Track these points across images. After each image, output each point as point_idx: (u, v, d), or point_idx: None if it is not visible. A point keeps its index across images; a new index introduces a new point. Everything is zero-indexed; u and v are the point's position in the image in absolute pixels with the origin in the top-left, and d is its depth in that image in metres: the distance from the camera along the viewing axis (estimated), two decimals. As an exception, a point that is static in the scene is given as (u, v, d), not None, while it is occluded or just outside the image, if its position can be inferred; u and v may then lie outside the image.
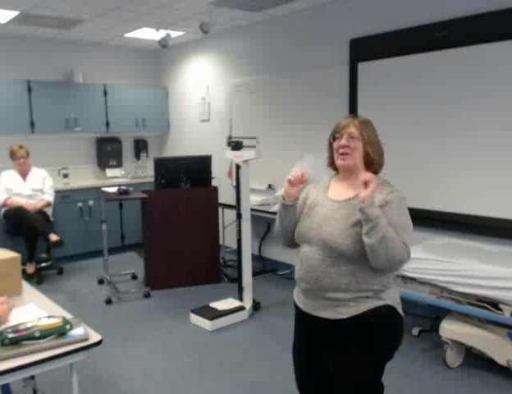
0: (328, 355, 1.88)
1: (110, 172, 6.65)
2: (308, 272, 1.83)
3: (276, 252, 5.44)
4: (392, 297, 1.85)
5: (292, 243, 2.00)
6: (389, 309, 1.82)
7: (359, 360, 1.81)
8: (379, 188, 1.78)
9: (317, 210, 1.88)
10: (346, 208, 1.81)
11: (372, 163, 1.86)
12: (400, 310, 1.87)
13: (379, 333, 1.81)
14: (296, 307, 1.97)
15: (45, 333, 1.77)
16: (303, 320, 1.94)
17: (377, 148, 1.88)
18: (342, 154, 1.84)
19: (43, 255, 5.50)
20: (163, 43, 5.42)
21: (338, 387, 1.90)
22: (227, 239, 5.70)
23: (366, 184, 1.67)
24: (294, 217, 1.94)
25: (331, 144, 1.92)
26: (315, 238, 1.82)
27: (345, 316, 1.78)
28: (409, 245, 1.74)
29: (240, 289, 4.19)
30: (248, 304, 4.15)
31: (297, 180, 1.86)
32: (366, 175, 1.69)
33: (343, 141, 1.83)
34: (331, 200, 1.88)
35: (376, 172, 1.88)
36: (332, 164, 1.96)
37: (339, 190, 1.90)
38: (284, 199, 1.92)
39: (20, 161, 5.18)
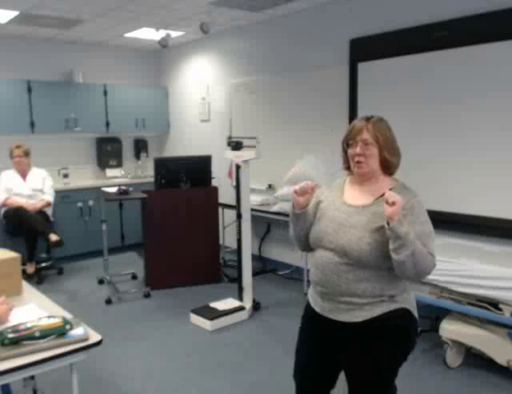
0: (342, 357, 1.86)
1: (110, 172, 6.65)
2: (324, 277, 1.80)
3: (276, 252, 5.44)
4: (408, 300, 1.83)
5: (308, 247, 1.96)
6: (404, 312, 1.80)
7: (374, 363, 1.79)
8: (398, 194, 1.71)
9: (331, 214, 1.83)
10: (364, 214, 1.77)
11: (390, 166, 1.83)
12: (415, 313, 1.84)
13: (393, 336, 1.79)
14: (310, 308, 1.94)
15: (45, 333, 1.77)
16: (316, 321, 1.90)
17: (395, 150, 1.83)
18: (358, 162, 1.80)
19: (43, 255, 5.49)
20: (163, 43, 5.42)
21: (352, 388, 1.88)
22: (227, 239, 5.70)
23: (392, 203, 1.61)
24: (306, 224, 1.91)
25: (345, 150, 1.88)
26: (332, 244, 1.78)
27: (359, 319, 1.76)
28: (435, 254, 1.74)
29: (240, 289, 4.19)
30: (248, 304, 4.15)
31: (303, 191, 1.83)
32: (391, 196, 1.62)
33: (358, 149, 1.78)
34: (347, 205, 1.83)
35: (392, 174, 1.86)
36: (348, 168, 1.91)
37: (355, 195, 1.85)
38: (294, 207, 1.89)
39: (16, 160, 5.19)
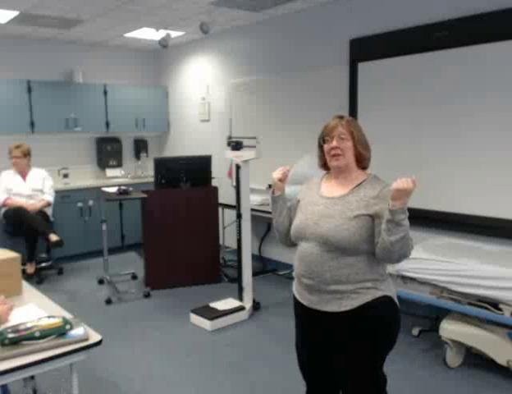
0: (333, 347, 1.94)
1: (110, 172, 6.65)
2: (309, 268, 1.89)
3: (276, 252, 5.44)
4: (389, 288, 1.92)
5: (287, 239, 2.10)
6: (387, 300, 1.88)
7: (362, 351, 1.87)
8: (370, 184, 1.89)
9: (311, 208, 1.95)
10: (341, 204, 1.88)
11: (363, 160, 1.93)
12: (396, 300, 1.93)
13: (379, 324, 1.88)
14: (298, 303, 2.02)
15: (45, 333, 1.78)
16: (306, 315, 1.98)
17: (366, 145, 1.94)
18: (334, 156, 1.91)
19: (43, 255, 5.49)
20: (163, 43, 5.42)
21: (341, 375, 1.95)
22: (227, 239, 5.70)
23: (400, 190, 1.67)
24: (285, 205, 2.08)
25: (321, 146, 1.99)
26: (312, 234, 1.88)
27: (348, 308, 1.84)
28: (412, 239, 1.80)
29: (240, 289, 4.19)
30: (248, 304, 4.15)
31: (284, 176, 2.05)
32: (398, 184, 1.67)
33: (334, 143, 1.90)
34: (325, 198, 1.95)
35: (365, 168, 1.96)
36: (324, 165, 2.04)
37: (331, 188, 1.97)
38: (274, 192, 2.08)
39: (13, 161, 5.19)
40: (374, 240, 1.82)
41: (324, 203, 1.92)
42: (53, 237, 4.77)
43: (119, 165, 6.75)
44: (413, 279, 3.31)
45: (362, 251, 1.82)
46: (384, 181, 1.92)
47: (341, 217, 1.84)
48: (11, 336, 1.73)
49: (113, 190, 4.77)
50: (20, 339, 1.74)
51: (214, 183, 5.21)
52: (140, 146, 7.00)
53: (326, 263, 1.84)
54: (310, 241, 1.89)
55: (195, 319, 3.98)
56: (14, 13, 4.81)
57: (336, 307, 1.86)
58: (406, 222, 1.71)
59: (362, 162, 1.94)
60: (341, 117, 1.95)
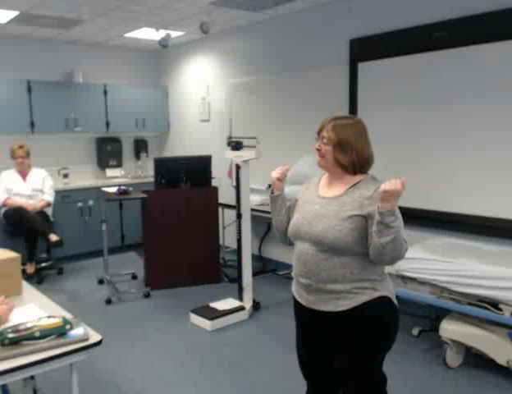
0: (332, 347, 1.94)
1: (110, 172, 6.65)
2: (306, 267, 1.90)
3: (276, 252, 5.44)
4: (387, 288, 1.91)
5: (286, 238, 2.10)
6: (385, 300, 1.88)
7: (361, 351, 1.87)
8: (366, 185, 1.86)
9: (307, 208, 1.95)
10: (335, 204, 1.87)
11: (345, 166, 1.88)
12: (394, 300, 1.92)
13: (377, 324, 1.87)
14: (297, 303, 2.02)
15: (45, 333, 1.77)
16: (304, 315, 1.99)
17: (353, 153, 1.86)
18: (318, 156, 1.94)
19: (43, 255, 5.49)
20: (163, 43, 5.42)
21: (343, 376, 1.96)
22: (227, 239, 5.70)
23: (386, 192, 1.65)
24: (284, 204, 2.09)
25: None
26: (307, 234, 1.89)
27: (344, 308, 1.84)
28: (406, 241, 1.79)
29: (240, 289, 4.19)
30: (248, 304, 4.15)
31: (283, 176, 2.05)
32: (386, 185, 1.65)
33: (316, 145, 1.93)
34: (321, 198, 1.95)
35: (358, 173, 1.90)
36: None
37: (328, 188, 1.97)
38: (273, 192, 2.09)
39: (18, 160, 5.20)
40: (367, 241, 1.80)
41: (319, 202, 1.92)
42: (53, 237, 4.77)
43: (119, 165, 6.75)
44: (413, 279, 3.31)
45: (356, 252, 1.81)
46: (380, 182, 1.87)
47: (335, 217, 1.83)
48: (11, 336, 1.73)
49: (113, 190, 4.77)
50: (20, 339, 1.74)
51: (214, 183, 5.21)
52: (140, 146, 7.00)
53: (322, 262, 1.84)
54: (305, 241, 1.89)
55: (195, 319, 3.98)
56: (14, 13, 4.81)
57: (332, 307, 1.85)
58: (397, 224, 1.68)
59: (345, 168, 1.87)
60: (333, 119, 1.91)
